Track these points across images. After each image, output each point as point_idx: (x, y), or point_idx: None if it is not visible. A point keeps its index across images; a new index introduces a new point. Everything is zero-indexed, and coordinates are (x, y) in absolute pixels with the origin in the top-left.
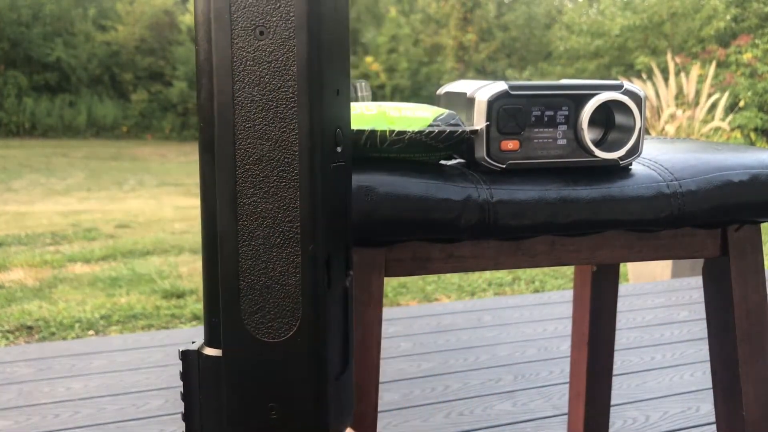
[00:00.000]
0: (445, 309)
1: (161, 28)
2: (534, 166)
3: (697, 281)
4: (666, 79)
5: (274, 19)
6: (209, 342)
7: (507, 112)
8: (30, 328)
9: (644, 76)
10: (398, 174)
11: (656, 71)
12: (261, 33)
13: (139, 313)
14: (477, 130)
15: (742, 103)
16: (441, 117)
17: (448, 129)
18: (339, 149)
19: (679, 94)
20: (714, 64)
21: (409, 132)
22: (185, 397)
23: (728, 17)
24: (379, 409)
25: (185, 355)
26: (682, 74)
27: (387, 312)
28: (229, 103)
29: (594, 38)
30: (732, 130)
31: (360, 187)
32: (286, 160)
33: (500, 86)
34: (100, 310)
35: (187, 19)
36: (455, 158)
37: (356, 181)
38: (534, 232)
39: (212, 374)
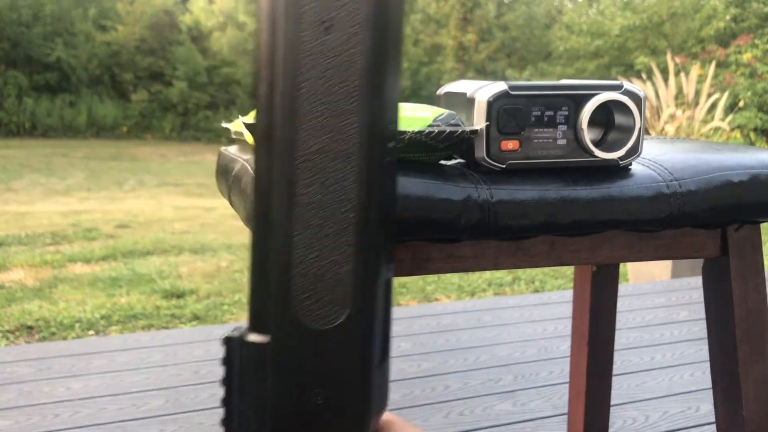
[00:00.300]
0: (445, 309)
1: (161, 28)
2: (534, 166)
3: (697, 281)
4: (666, 80)
5: (341, 14)
6: (254, 328)
7: (507, 112)
8: (30, 328)
9: (644, 76)
10: (398, 174)
11: (656, 71)
12: (328, 28)
13: (139, 313)
14: (477, 130)
15: (741, 103)
16: (441, 117)
17: (448, 129)
18: (390, 145)
19: (679, 94)
20: (714, 64)
21: (409, 132)
22: (226, 382)
23: (728, 17)
24: None
25: (228, 341)
26: (682, 74)
27: None
28: (293, 96)
29: (594, 38)
30: (732, 130)
31: None
32: (345, 151)
33: (500, 86)
34: (101, 310)
35: (187, 19)
36: (455, 158)
37: None
38: (534, 232)
39: (256, 360)
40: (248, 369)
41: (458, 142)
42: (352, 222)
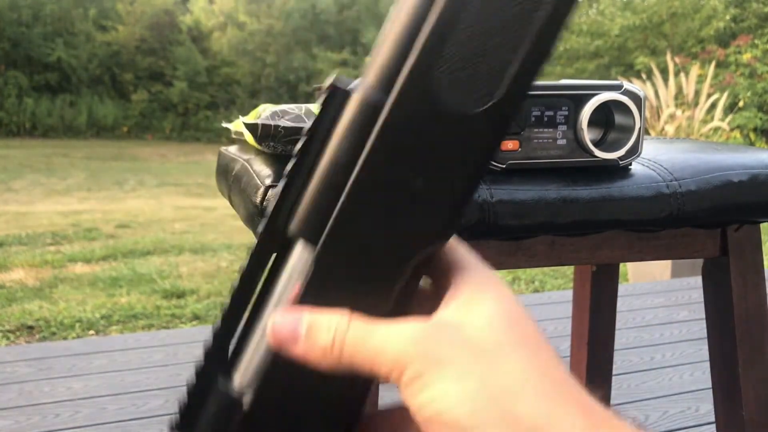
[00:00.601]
0: None
1: (162, 28)
2: (534, 166)
3: (697, 281)
4: (665, 80)
5: None
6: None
7: None
8: (30, 327)
9: (644, 76)
10: None
11: (656, 71)
12: None
13: (139, 312)
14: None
15: (741, 103)
16: None
17: None
18: None
19: (679, 94)
20: (713, 64)
21: None
22: (314, 126)
23: (728, 17)
24: (380, 408)
25: (334, 90)
26: (682, 74)
27: None
28: None
29: (594, 38)
30: (731, 130)
31: None
32: None
33: None
34: (101, 309)
35: (187, 19)
36: None
37: None
38: (534, 232)
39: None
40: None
41: None
42: None
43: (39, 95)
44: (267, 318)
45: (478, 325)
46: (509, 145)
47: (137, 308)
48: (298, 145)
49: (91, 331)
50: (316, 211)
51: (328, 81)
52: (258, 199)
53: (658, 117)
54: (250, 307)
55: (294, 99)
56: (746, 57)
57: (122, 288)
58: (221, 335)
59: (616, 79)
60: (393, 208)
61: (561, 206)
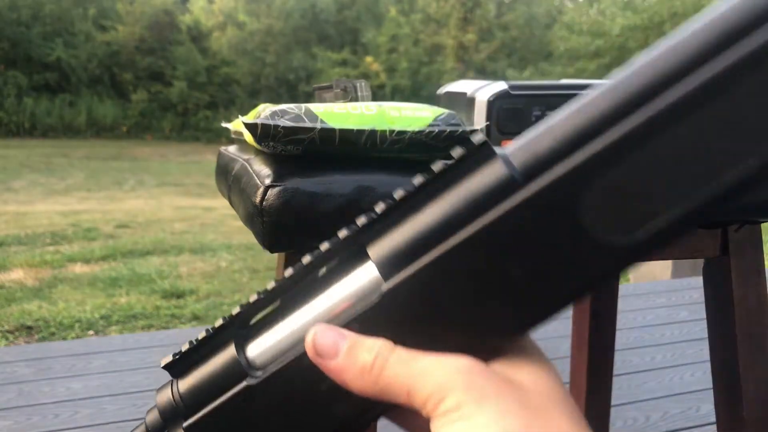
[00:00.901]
0: None
1: (161, 27)
2: None
3: (697, 281)
4: None
5: None
6: None
7: (507, 112)
8: (30, 328)
9: None
10: (398, 174)
11: None
12: None
13: (138, 313)
14: (477, 130)
15: None
16: (441, 117)
17: (448, 129)
18: None
19: None
20: None
21: (409, 132)
22: (445, 169)
23: None
24: None
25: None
26: None
27: None
28: None
29: (594, 38)
30: None
31: (360, 186)
32: None
33: (500, 86)
34: (100, 310)
35: (186, 19)
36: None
37: (356, 180)
38: None
39: None
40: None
41: (458, 142)
42: None
43: (38, 95)
44: (305, 316)
45: (525, 380)
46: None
47: (137, 308)
48: (420, 178)
49: (91, 332)
50: (405, 249)
51: (477, 137)
52: (257, 199)
53: None
54: (291, 293)
55: (294, 99)
56: None
57: (122, 288)
58: (252, 307)
59: None
60: (480, 286)
61: None
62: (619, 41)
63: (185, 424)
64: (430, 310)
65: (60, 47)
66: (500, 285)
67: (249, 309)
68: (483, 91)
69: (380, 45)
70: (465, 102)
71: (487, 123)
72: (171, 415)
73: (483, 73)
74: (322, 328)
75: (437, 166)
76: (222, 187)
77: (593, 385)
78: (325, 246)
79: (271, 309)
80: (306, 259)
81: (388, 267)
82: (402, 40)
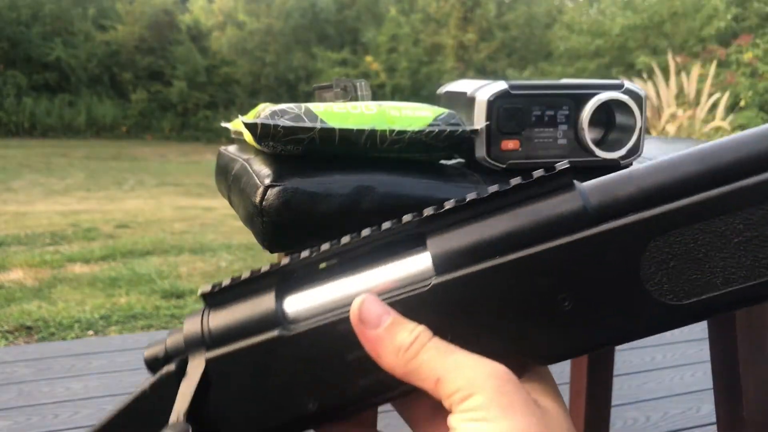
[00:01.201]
0: None
1: (161, 27)
2: (535, 165)
3: None
4: (667, 79)
5: None
6: None
7: (507, 112)
8: (29, 328)
9: (645, 75)
10: (398, 174)
11: (657, 71)
12: None
13: (138, 313)
14: (477, 130)
15: (743, 103)
16: (441, 116)
17: (449, 128)
18: None
19: (680, 93)
20: (714, 63)
21: (409, 131)
22: (522, 186)
23: (729, 17)
24: (379, 409)
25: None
26: (683, 74)
27: None
28: None
29: (594, 38)
30: (733, 129)
31: (360, 186)
32: None
33: (500, 85)
34: (100, 310)
35: (186, 19)
36: (456, 158)
37: (356, 180)
38: None
39: None
40: None
41: (458, 141)
42: None
43: (38, 95)
44: (352, 285)
45: (548, 405)
46: (510, 144)
47: (136, 308)
48: (496, 187)
49: (90, 332)
50: (464, 251)
51: (562, 164)
52: (257, 199)
53: (660, 117)
54: (341, 259)
55: (294, 98)
56: (747, 56)
57: (121, 288)
58: (299, 263)
59: (617, 78)
60: (529, 306)
61: None
62: (619, 41)
63: (208, 355)
64: (473, 315)
65: (59, 47)
66: (549, 311)
67: (297, 263)
68: (483, 90)
69: (380, 45)
70: (465, 102)
71: (488, 122)
72: (195, 343)
73: (483, 72)
74: (370, 298)
75: (515, 181)
76: (222, 187)
77: (593, 385)
78: (386, 225)
79: (318, 269)
80: (365, 232)
81: (444, 263)
82: (402, 39)
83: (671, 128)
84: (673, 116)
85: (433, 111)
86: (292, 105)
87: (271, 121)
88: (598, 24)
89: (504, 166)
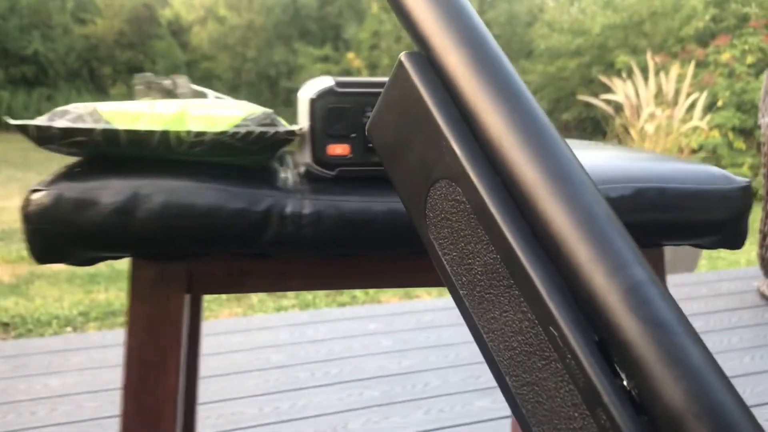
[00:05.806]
0: (425, 306)
1: (141, 21)
2: (369, 173)
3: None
4: (646, 79)
5: None
6: None
7: (333, 112)
8: (6, 324)
9: (624, 75)
10: (187, 179)
11: (636, 70)
12: None
13: (117, 309)
14: (294, 131)
15: (720, 103)
16: (253, 117)
17: (258, 130)
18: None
19: (659, 93)
20: (693, 63)
21: (209, 133)
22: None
23: (707, 17)
24: (359, 405)
25: None
26: (662, 74)
27: (368, 309)
28: None
29: (575, 37)
30: (710, 129)
31: (136, 194)
32: None
33: (326, 82)
34: (78, 306)
35: (167, 13)
36: (285, 163)
37: (133, 186)
38: (362, 249)
39: None
40: None
41: (273, 144)
42: None
43: (15, 88)
44: None
45: None
46: (338, 149)
47: (115, 305)
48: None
49: (69, 328)
50: None
51: None
52: (22, 205)
53: (638, 116)
54: None
55: (275, 94)
56: (725, 57)
57: (100, 284)
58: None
59: (596, 77)
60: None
61: (388, 218)
62: (600, 40)
63: None
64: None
65: (37, 40)
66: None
67: None
68: (307, 87)
69: (362, 41)
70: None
71: (310, 124)
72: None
73: None
74: None
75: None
76: None
77: None
78: None
79: None
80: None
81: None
82: (384, 36)
83: (650, 127)
84: (651, 116)
85: (248, 111)
86: (80, 105)
87: (46, 123)
88: (579, 23)
89: (333, 173)
